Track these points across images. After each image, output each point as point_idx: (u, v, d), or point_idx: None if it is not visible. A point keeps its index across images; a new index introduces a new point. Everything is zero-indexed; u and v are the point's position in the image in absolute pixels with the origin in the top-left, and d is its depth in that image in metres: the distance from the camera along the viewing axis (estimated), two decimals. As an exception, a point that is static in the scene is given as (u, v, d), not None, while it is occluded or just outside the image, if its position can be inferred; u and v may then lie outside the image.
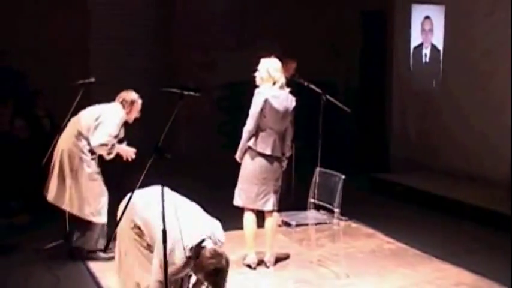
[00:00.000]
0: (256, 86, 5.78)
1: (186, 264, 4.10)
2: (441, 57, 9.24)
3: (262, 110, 5.63)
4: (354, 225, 7.28)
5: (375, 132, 10.62)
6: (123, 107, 5.98)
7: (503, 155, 7.98)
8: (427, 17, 9.48)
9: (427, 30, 9.50)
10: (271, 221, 5.83)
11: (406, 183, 8.69)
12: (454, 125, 8.96)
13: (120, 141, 6.03)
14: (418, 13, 9.64)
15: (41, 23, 9.48)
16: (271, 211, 5.80)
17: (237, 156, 5.80)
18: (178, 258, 4.07)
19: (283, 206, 6.04)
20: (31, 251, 6.13)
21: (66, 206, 5.96)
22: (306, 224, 5.95)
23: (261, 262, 5.89)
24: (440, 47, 9.26)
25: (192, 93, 5.79)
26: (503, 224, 7.02)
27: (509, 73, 7.90)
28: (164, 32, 10.43)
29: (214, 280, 4.02)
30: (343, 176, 5.78)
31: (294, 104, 5.79)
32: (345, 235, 6.43)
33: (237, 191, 5.83)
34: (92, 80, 6.56)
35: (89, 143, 5.92)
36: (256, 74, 5.78)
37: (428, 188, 8.38)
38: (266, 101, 5.62)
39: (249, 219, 5.80)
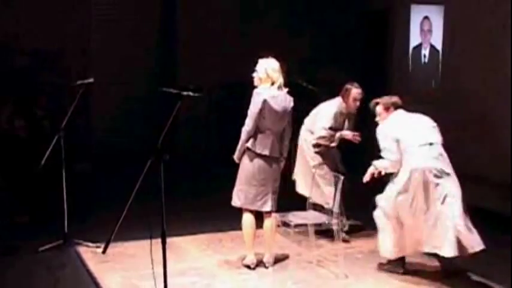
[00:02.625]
0: (254, 87, 5.79)
1: None
2: (440, 58, 9.24)
3: (261, 110, 5.63)
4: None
5: (374, 131, 10.60)
6: (342, 98, 6.56)
7: (505, 156, 7.97)
8: (426, 17, 9.49)
9: (426, 31, 9.51)
10: (270, 221, 5.83)
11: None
12: (452, 125, 8.95)
13: (335, 130, 6.57)
14: (417, 13, 9.64)
15: (42, 22, 9.45)
16: (270, 212, 5.81)
17: (236, 157, 5.80)
18: None
19: (282, 206, 6.05)
20: (31, 251, 6.13)
21: (308, 194, 6.43)
22: (305, 225, 5.96)
23: (260, 263, 5.89)
24: (439, 47, 9.26)
25: (190, 93, 5.80)
26: (508, 226, 7.00)
27: (509, 73, 7.91)
28: (167, 32, 10.42)
29: None
30: (342, 176, 5.80)
31: (292, 104, 5.79)
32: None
33: (235, 192, 5.83)
34: (91, 80, 6.57)
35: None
36: (255, 74, 5.79)
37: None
38: (265, 101, 5.62)
39: (247, 220, 5.81)
